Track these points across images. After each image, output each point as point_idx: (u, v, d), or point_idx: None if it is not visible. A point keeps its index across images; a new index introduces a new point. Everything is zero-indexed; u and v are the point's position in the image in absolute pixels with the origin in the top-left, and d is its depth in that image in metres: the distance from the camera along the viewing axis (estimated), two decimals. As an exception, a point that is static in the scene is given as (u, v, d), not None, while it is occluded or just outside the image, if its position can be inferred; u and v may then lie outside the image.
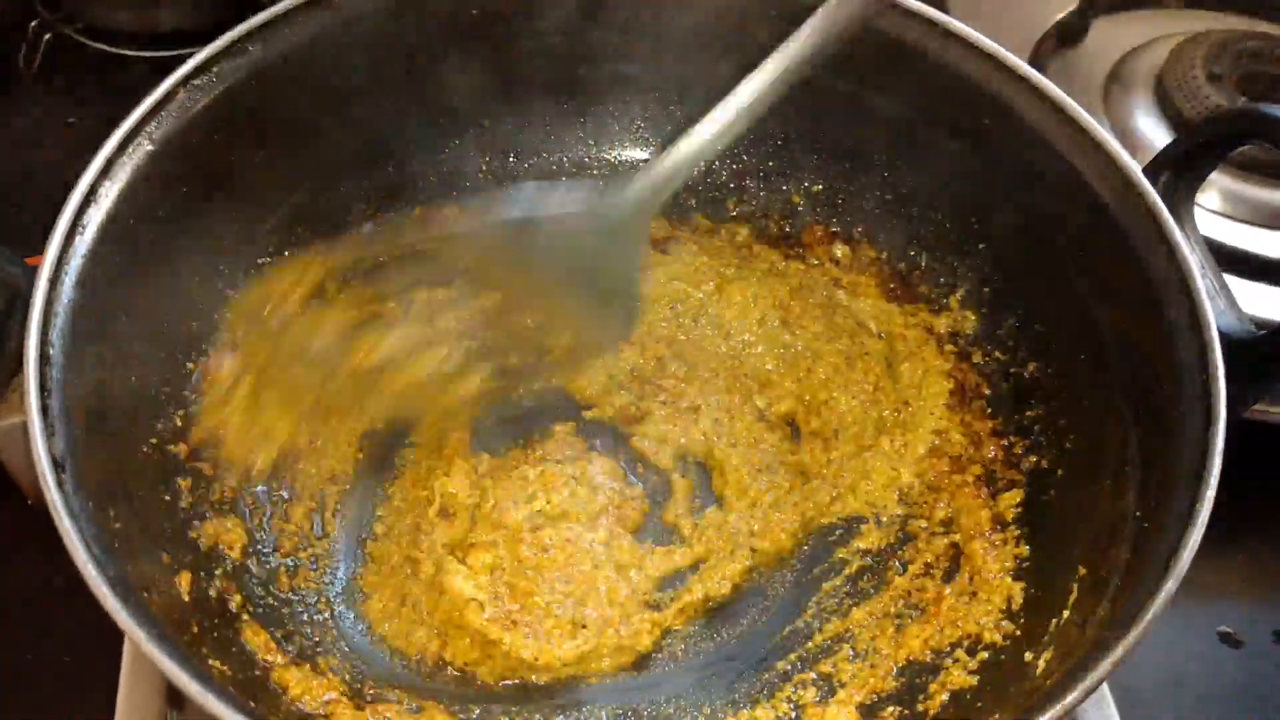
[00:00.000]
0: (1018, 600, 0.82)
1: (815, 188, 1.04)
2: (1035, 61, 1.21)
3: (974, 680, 0.78)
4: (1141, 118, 1.15)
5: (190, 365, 0.87)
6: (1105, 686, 0.85)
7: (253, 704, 0.69)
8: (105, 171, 0.78)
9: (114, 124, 0.80)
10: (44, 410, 0.68)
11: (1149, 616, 0.65)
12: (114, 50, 1.27)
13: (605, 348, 0.95)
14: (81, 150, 0.78)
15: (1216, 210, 1.08)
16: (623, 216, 0.83)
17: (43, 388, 0.69)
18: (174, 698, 0.80)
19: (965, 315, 0.97)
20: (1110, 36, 1.25)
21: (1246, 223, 1.07)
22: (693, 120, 0.81)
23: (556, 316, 0.87)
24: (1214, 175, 1.07)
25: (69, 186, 0.77)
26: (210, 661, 0.72)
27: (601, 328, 0.88)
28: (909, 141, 0.95)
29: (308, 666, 0.79)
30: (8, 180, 1.23)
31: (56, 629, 0.93)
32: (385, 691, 0.81)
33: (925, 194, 0.98)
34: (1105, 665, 0.64)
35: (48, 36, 1.27)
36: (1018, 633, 0.79)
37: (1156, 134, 1.13)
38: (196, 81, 0.83)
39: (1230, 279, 1.01)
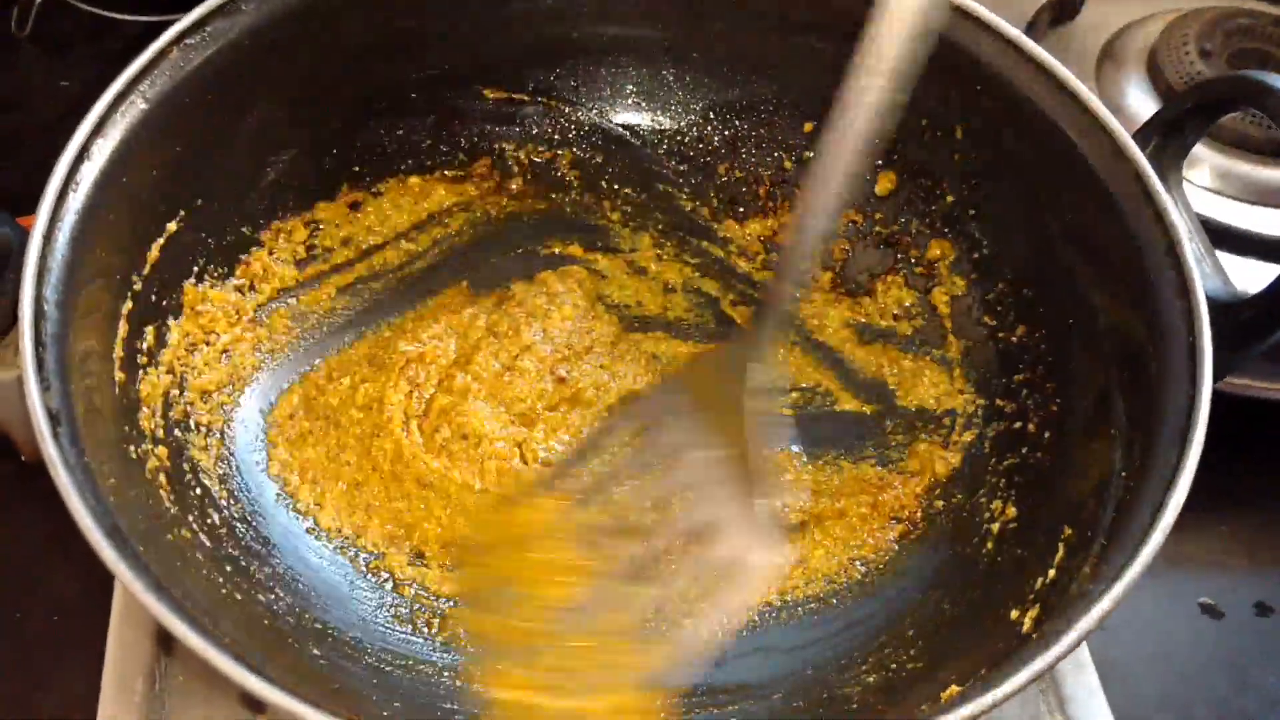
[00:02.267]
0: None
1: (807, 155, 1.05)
2: (1028, 35, 1.21)
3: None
4: (1133, 93, 1.15)
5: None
6: (1087, 653, 0.87)
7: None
8: (98, 129, 0.78)
9: (105, 86, 0.80)
10: (39, 364, 0.69)
11: (1132, 573, 0.65)
12: (106, 14, 1.27)
13: None
14: (73, 113, 0.78)
15: (1207, 186, 1.09)
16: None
17: (38, 342, 0.69)
18: (164, 642, 0.82)
19: (954, 281, 0.98)
20: (1104, 13, 1.25)
21: (1236, 199, 1.08)
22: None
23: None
24: (1205, 152, 1.08)
25: (60, 148, 0.76)
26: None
27: None
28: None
29: None
30: (0, 141, 1.23)
31: (45, 587, 0.93)
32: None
33: (915, 160, 0.99)
34: (1088, 620, 0.64)
35: None
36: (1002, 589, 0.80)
37: (1148, 109, 1.12)
38: (190, 40, 0.83)
39: (1220, 255, 1.03)
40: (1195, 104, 0.83)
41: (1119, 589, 0.65)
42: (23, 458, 0.90)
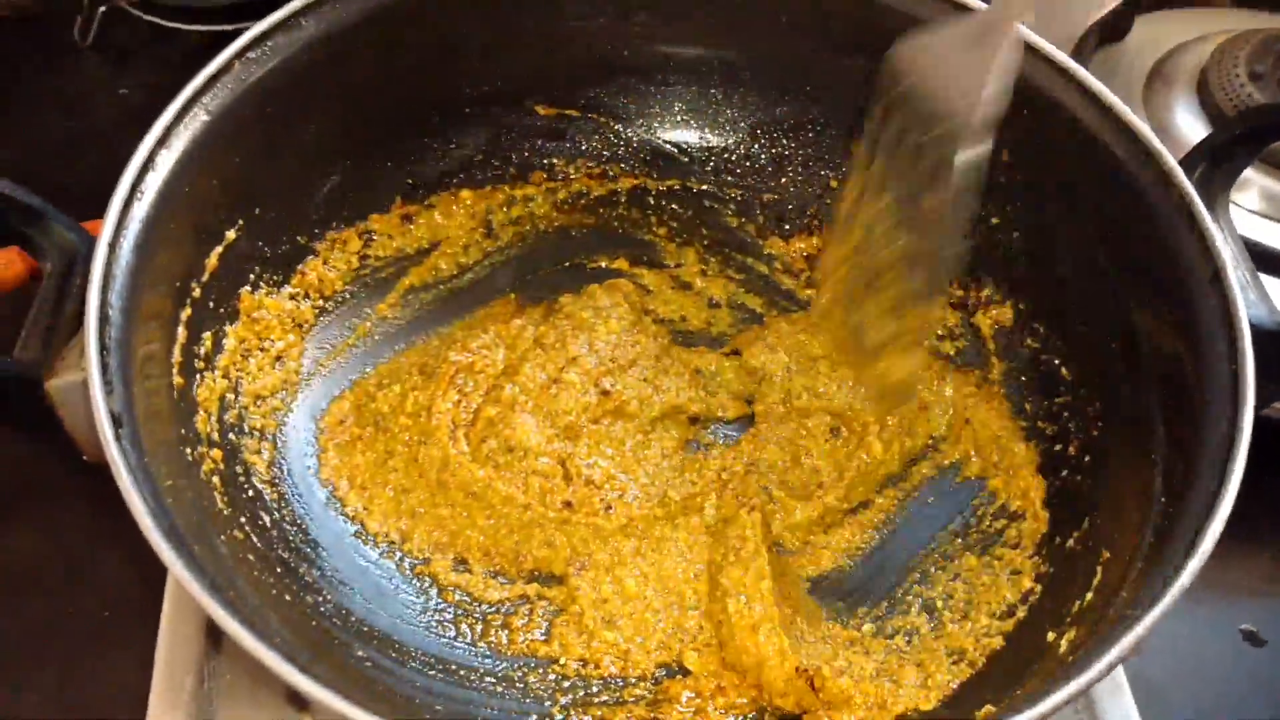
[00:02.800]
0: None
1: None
2: (1077, 56, 1.21)
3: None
4: (1182, 114, 1.15)
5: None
6: (1123, 677, 0.86)
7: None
8: (163, 140, 0.80)
9: (163, 94, 0.82)
10: (104, 368, 0.71)
11: (1169, 598, 0.65)
12: (166, 23, 1.30)
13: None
14: (132, 120, 0.80)
15: (1255, 210, 1.08)
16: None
17: (102, 347, 0.71)
18: (214, 639, 0.83)
19: (999, 306, 0.99)
20: (1154, 34, 1.25)
21: (1287, 223, 1.08)
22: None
23: None
24: (1253, 175, 1.08)
25: (119, 154, 0.78)
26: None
27: None
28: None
29: None
30: (61, 147, 1.26)
31: (95, 581, 0.95)
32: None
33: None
34: (1123, 644, 0.64)
35: (102, 9, 1.30)
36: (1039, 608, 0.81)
37: (1196, 131, 1.12)
38: (251, 54, 0.85)
39: (1268, 280, 1.02)
40: (1243, 131, 0.83)
41: (1154, 615, 0.65)
42: (84, 457, 0.92)
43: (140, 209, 0.77)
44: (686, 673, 0.84)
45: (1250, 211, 1.08)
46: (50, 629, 0.94)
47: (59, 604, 0.95)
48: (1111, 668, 0.64)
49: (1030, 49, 0.88)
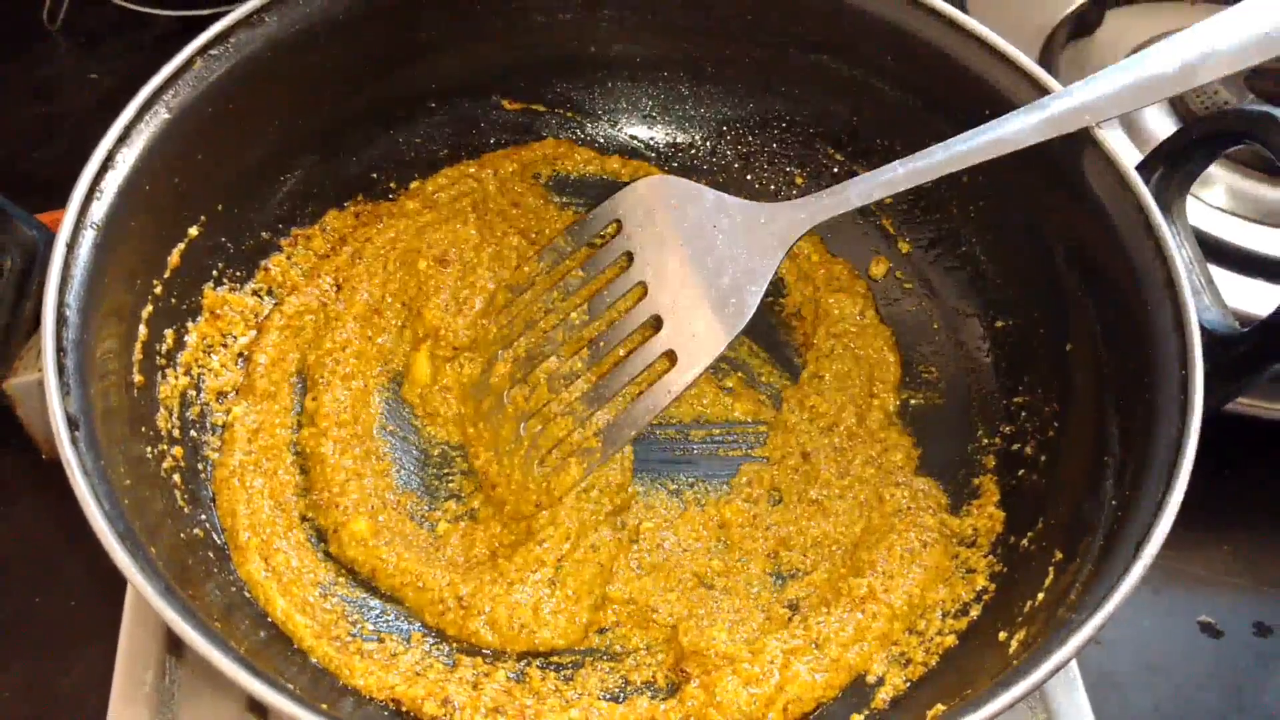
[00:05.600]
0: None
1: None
2: (1047, 51, 1.22)
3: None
4: (1150, 111, 1.15)
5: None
6: (1077, 671, 0.88)
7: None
8: (123, 139, 0.79)
9: (134, 80, 0.81)
10: (60, 369, 0.70)
11: (1114, 602, 0.66)
12: (136, 8, 1.29)
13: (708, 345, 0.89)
14: (102, 105, 0.80)
15: (1221, 207, 1.09)
16: (775, 218, 0.87)
17: (59, 348, 0.71)
18: (174, 646, 0.83)
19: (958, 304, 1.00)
20: (1123, 28, 1.26)
21: (1249, 219, 1.08)
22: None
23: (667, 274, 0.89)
24: (1220, 172, 1.08)
25: (90, 141, 0.78)
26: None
27: (711, 310, 0.88)
28: (908, 125, 0.97)
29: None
30: (30, 132, 1.25)
31: (61, 575, 0.96)
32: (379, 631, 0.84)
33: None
34: (1070, 647, 0.65)
35: (71, -7, 1.29)
36: (992, 607, 0.82)
37: (1165, 129, 1.13)
38: (213, 51, 0.85)
39: (1232, 276, 1.03)
40: (1200, 136, 0.83)
41: (1099, 618, 0.66)
42: (43, 455, 0.92)
43: (99, 208, 0.77)
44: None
45: (1216, 209, 1.09)
46: (17, 622, 0.94)
47: (26, 597, 0.95)
48: (1055, 671, 0.65)
49: (985, 46, 0.88)
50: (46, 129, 1.25)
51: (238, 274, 0.95)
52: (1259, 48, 0.78)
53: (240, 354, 0.93)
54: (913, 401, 0.98)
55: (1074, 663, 0.87)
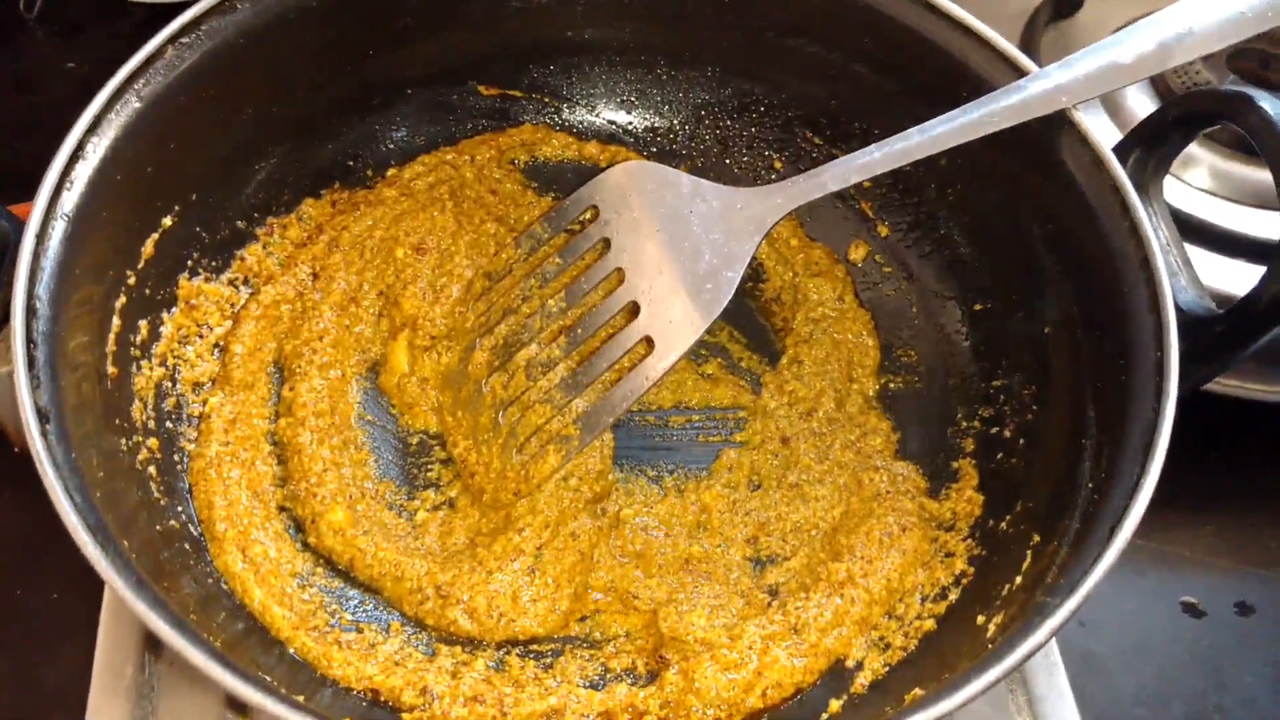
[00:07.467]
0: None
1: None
2: (1028, 33, 1.21)
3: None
4: (1131, 91, 1.15)
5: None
6: (1057, 654, 0.88)
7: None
8: (93, 128, 0.79)
9: (113, 69, 0.81)
10: (30, 362, 0.70)
11: (1090, 584, 0.66)
12: (114, -4, 1.28)
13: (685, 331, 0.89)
14: (81, 95, 0.79)
15: (1202, 187, 1.09)
16: (751, 203, 0.87)
17: (29, 340, 0.71)
18: (153, 640, 0.83)
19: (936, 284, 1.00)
20: (1105, 11, 1.25)
21: (1230, 200, 1.08)
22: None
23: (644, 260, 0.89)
24: (1202, 153, 1.08)
25: (69, 131, 0.77)
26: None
27: (688, 296, 0.88)
28: (886, 109, 0.96)
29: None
30: (8, 123, 1.25)
31: (42, 568, 0.95)
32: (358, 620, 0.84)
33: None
34: (1045, 630, 0.65)
35: (49, -19, 1.28)
36: (971, 591, 0.82)
37: (1145, 108, 1.12)
38: (184, 39, 0.84)
39: (1215, 257, 1.03)
40: (1177, 117, 0.83)
41: (1075, 601, 0.66)
42: (15, 449, 0.91)
43: (70, 199, 0.76)
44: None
45: (1199, 190, 1.08)
46: (-2, 614, 0.94)
47: (7, 591, 0.95)
48: (1032, 654, 0.65)
49: (976, 36, 0.88)
50: (26, 120, 1.25)
51: (213, 264, 0.94)
52: (1235, 28, 0.79)
53: (216, 344, 0.93)
54: (892, 385, 0.98)
55: (1054, 645, 0.87)
